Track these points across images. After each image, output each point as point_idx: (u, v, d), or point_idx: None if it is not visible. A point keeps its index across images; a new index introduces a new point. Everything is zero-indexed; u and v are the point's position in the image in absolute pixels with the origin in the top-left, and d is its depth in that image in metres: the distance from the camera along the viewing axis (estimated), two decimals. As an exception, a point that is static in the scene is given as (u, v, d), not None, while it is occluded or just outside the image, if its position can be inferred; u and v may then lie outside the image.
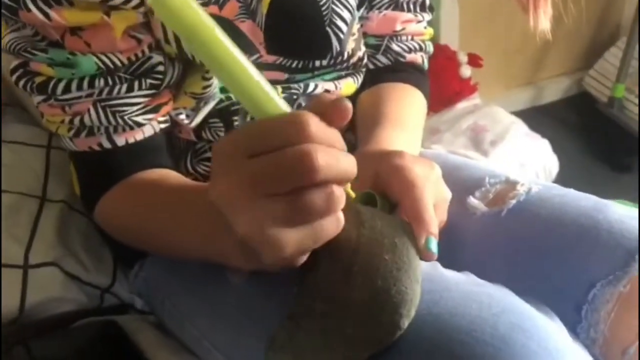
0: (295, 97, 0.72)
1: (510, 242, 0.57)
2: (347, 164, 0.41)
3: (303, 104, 0.74)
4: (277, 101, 0.40)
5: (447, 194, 0.58)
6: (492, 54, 1.98)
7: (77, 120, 0.63)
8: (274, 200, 0.39)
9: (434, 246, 0.49)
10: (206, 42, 0.37)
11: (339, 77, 0.76)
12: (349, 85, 0.77)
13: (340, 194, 0.41)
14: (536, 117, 2.02)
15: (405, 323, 0.45)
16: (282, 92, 0.70)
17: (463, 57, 1.84)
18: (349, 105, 0.41)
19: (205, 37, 0.37)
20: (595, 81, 2.17)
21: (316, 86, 0.72)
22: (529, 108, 2.24)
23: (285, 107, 0.41)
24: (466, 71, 1.82)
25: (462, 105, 1.80)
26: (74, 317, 0.80)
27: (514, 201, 0.64)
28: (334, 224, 0.42)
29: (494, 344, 0.43)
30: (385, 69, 0.81)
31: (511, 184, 0.67)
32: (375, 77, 0.80)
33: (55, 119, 0.64)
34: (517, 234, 0.56)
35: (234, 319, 0.59)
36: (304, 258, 0.44)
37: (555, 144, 1.63)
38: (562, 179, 1.55)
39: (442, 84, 1.79)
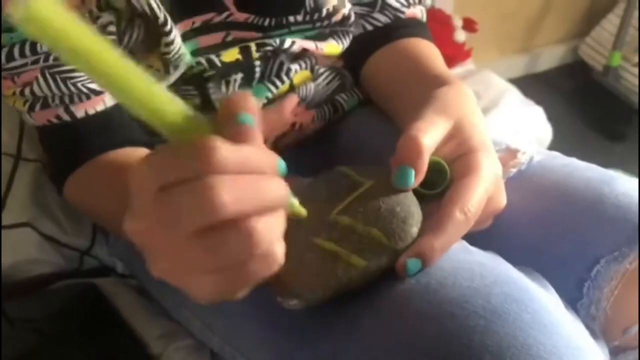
0: (269, 54, 0.67)
1: (510, 213, 0.54)
2: (272, 192, 0.35)
3: (285, 63, 0.69)
4: (179, 107, 0.34)
5: (501, 203, 0.52)
6: (487, 18, 1.94)
7: (27, 91, 0.58)
8: (186, 243, 0.34)
9: (413, 267, 0.45)
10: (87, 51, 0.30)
11: (321, 37, 0.71)
12: (332, 47, 0.72)
13: (267, 229, 0.35)
14: (530, 85, 2.00)
15: (416, 231, 0.45)
16: (256, 51, 0.66)
17: (458, 22, 1.79)
18: (251, 126, 0.36)
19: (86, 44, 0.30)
20: (591, 49, 2.14)
21: (293, 43, 0.67)
22: (524, 75, 2.21)
23: (179, 105, 0.35)
24: (460, 36, 1.78)
25: (455, 71, 1.76)
26: (51, 279, 0.78)
27: (514, 170, 0.61)
28: (263, 264, 0.36)
29: (486, 316, 0.41)
30: (386, 28, 0.74)
31: (512, 152, 0.64)
32: (379, 38, 0.74)
33: (8, 92, 0.59)
34: (517, 204, 0.53)
35: None
36: (244, 292, 0.38)
37: (550, 112, 1.61)
38: (556, 147, 1.52)
39: (435, 48, 1.75)
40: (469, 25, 1.80)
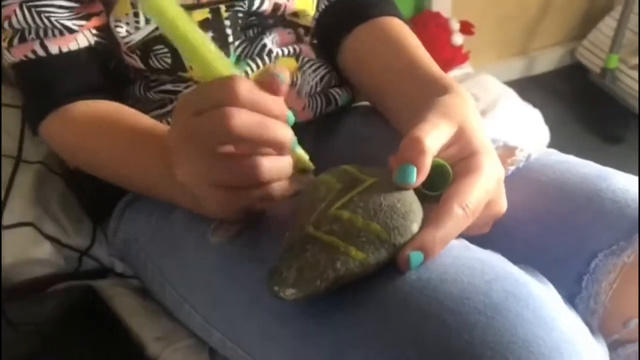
0: (240, 14, 0.70)
1: (509, 210, 0.54)
2: (278, 132, 0.45)
3: (267, 45, 0.71)
4: (227, 64, 0.47)
5: (502, 207, 0.52)
6: (484, 21, 1.95)
7: (6, 24, 0.66)
8: (207, 158, 0.46)
9: (416, 260, 0.45)
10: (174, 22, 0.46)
11: None
12: (302, 1, 0.73)
13: (271, 166, 0.46)
14: (528, 88, 2.00)
15: (416, 228, 0.46)
16: (226, 11, 0.69)
17: (455, 25, 1.81)
18: (283, 82, 0.46)
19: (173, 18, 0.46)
20: (588, 52, 2.15)
21: (262, 1, 0.70)
22: (521, 78, 2.22)
23: (234, 70, 0.47)
24: (458, 39, 1.79)
25: (453, 74, 1.77)
26: (49, 281, 0.78)
27: (512, 167, 0.62)
28: (262, 193, 0.47)
29: (487, 312, 0.41)
30: (358, 2, 0.75)
31: (510, 150, 0.64)
32: (353, 15, 0.74)
33: None
34: (516, 201, 0.54)
35: (214, 281, 0.58)
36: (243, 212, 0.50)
37: (547, 115, 1.61)
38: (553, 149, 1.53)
39: (433, 51, 1.73)
40: (466, 28, 1.82)
